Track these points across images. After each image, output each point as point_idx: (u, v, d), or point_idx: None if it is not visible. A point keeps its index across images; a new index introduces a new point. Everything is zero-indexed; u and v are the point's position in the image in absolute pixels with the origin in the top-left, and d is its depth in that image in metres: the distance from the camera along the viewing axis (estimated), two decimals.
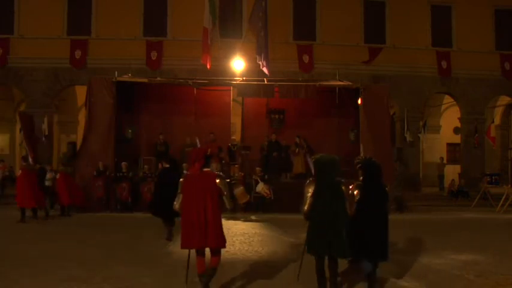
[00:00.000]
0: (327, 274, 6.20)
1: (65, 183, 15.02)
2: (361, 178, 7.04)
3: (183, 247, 6.33)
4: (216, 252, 6.29)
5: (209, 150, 6.61)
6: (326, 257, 6.23)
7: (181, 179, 6.58)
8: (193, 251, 6.41)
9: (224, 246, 6.42)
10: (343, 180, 6.57)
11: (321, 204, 6.16)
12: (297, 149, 18.02)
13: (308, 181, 6.61)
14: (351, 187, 6.92)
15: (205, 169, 6.37)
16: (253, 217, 15.22)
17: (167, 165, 11.21)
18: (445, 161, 25.69)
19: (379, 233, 6.51)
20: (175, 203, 6.69)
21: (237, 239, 10.64)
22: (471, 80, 23.46)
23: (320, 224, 6.19)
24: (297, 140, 18.20)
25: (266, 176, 16.60)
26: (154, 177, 14.94)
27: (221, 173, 6.77)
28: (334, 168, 6.52)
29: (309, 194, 6.33)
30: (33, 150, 19.38)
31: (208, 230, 6.09)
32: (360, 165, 7.25)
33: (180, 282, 7.05)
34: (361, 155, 8.39)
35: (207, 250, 6.34)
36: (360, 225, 6.41)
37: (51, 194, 15.50)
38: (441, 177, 24.95)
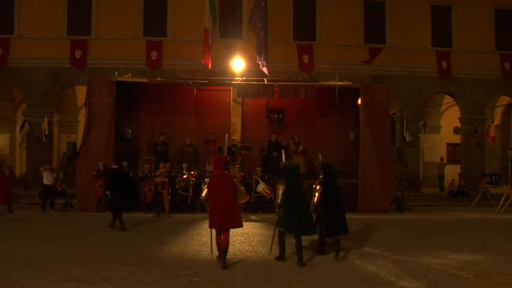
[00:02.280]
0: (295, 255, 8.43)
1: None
2: (321, 176, 9.11)
3: (210, 227, 8.41)
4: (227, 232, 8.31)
5: (228, 157, 9.20)
6: (294, 238, 8.40)
7: (206, 179, 9.33)
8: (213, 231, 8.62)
9: (241, 226, 8.58)
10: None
11: (290, 196, 8.44)
12: (300, 148, 18.06)
13: (279, 181, 9.04)
14: (315, 185, 9.18)
15: (226, 171, 8.65)
16: (253, 217, 15.23)
17: (115, 166, 13.07)
18: (445, 161, 25.69)
19: (338, 215, 8.94)
20: (202, 195, 9.26)
21: (237, 239, 10.64)
22: (471, 80, 23.46)
23: (290, 210, 8.39)
24: (296, 139, 18.22)
25: (266, 176, 16.60)
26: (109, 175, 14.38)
27: (237, 175, 10.32)
28: (297, 172, 8.99)
29: (280, 191, 8.69)
30: None
31: (229, 215, 8.11)
32: (319, 167, 9.39)
33: (180, 282, 7.05)
34: (320, 159, 11.16)
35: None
36: (323, 210, 8.85)
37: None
38: (441, 177, 24.96)
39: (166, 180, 15.56)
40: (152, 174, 16.28)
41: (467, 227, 13.55)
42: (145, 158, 17.83)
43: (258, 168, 16.84)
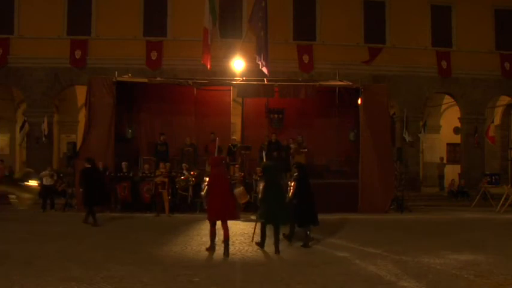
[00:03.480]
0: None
1: None
2: (295, 174, 10.43)
3: (210, 219, 9.27)
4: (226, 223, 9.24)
5: (227, 158, 11.20)
6: (272, 227, 9.53)
7: (206, 178, 10.62)
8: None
9: (238, 218, 10.63)
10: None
11: (269, 192, 9.57)
12: (303, 147, 18.10)
13: (260, 178, 10.86)
14: (290, 181, 10.59)
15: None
16: (253, 217, 15.22)
17: (88, 165, 13.79)
18: (445, 161, 25.68)
19: (309, 208, 10.13)
20: (202, 192, 11.34)
21: (237, 239, 10.64)
22: (471, 80, 23.46)
23: (269, 204, 9.48)
24: (300, 138, 18.24)
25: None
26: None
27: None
28: (275, 170, 10.22)
29: (261, 187, 10.20)
30: None
31: (227, 208, 9.07)
32: (295, 165, 11.03)
33: (180, 282, 7.05)
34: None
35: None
36: (297, 204, 10.06)
37: None
38: (441, 177, 24.95)
39: (166, 180, 15.56)
40: (152, 174, 16.28)
41: (467, 227, 13.55)
42: (145, 158, 17.83)
43: (258, 168, 16.81)
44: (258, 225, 10.09)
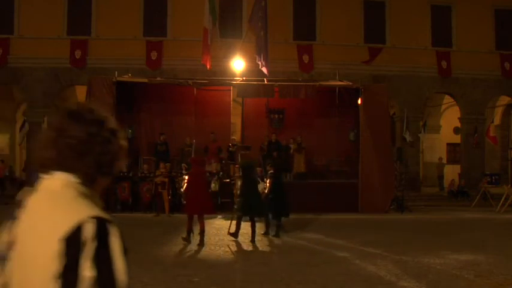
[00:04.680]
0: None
1: None
2: (271, 172, 11.71)
3: (188, 213, 10.27)
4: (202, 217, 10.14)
5: (205, 158, 11.92)
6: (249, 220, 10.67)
7: (185, 176, 11.70)
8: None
9: (214, 213, 11.92)
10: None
11: (246, 189, 10.87)
12: (302, 147, 18.12)
13: (238, 176, 12.32)
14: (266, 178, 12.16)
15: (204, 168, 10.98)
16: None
17: None
18: (444, 161, 25.68)
19: (282, 202, 11.33)
20: (182, 189, 12.34)
21: (236, 240, 10.64)
22: (471, 80, 23.45)
23: (246, 198, 10.70)
24: (299, 139, 18.25)
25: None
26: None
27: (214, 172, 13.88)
28: (252, 168, 11.44)
29: (239, 184, 11.66)
30: None
31: (203, 203, 10.03)
32: (270, 164, 12.44)
33: (180, 282, 7.05)
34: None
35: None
36: (272, 198, 11.33)
37: None
38: (441, 177, 24.95)
39: (166, 180, 15.57)
40: (152, 174, 16.27)
41: (467, 227, 13.55)
42: (145, 158, 17.83)
43: (258, 169, 16.82)
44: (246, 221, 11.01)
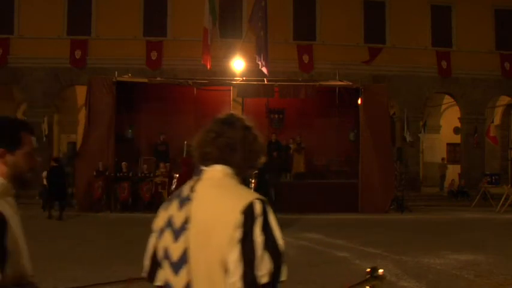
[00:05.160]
0: None
1: None
2: (255, 172, 12.17)
3: None
4: None
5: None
6: None
7: (176, 175, 11.94)
8: None
9: None
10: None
11: None
12: (302, 147, 18.14)
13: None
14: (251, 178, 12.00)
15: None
16: None
17: (55, 164, 14.98)
18: (445, 162, 25.68)
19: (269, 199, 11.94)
20: (172, 187, 12.50)
21: None
22: (471, 80, 23.45)
23: None
24: (298, 139, 18.26)
25: (266, 176, 16.57)
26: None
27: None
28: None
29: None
30: None
31: None
32: None
33: None
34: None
35: None
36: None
37: None
38: (443, 177, 24.93)
39: (166, 180, 15.58)
40: (152, 174, 16.28)
41: (467, 227, 13.55)
42: (146, 158, 17.83)
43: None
44: None
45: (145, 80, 18.06)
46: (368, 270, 2.20)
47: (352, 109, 18.16)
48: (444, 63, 23.30)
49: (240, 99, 19.61)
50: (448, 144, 27.40)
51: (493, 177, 20.02)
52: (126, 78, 17.94)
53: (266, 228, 1.79)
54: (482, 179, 20.42)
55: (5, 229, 1.90)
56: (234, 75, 19.47)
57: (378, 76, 22.43)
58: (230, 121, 2.01)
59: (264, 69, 19.02)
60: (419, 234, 12.05)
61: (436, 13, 23.67)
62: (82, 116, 22.52)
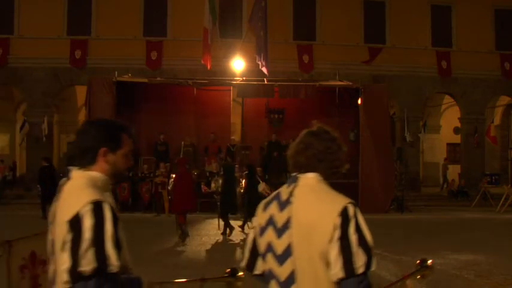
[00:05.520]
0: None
1: None
2: (246, 173, 12.97)
3: (174, 211, 11.59)
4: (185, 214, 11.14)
5: (187, 159, 13.68)
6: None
7: (173, 175, 12.66)
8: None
9: (195, 210, 12.37)
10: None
11: (226, 187, 12.52)
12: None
13: (217, 177, 14.31)
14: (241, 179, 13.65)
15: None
16: (253, 217, 15.21)
17: (46, 164, 15.26)
18: (445, 162, 25.67)
19: (256, 202, 11.16)
20: (169, 187, 13.27)
21: (237, 239, 10.64)
22: (471, 80, 23.43)
23: (225, 196, 12.35)
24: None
25: (266, 176, 16.60)
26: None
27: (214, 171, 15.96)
28: (231, 170, 13.33)
29: (220, 183, 13.14)
30: None
31: (188, 201, 11.00)
32: (245, 166, 13.51)
33: None
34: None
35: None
36: (247, 196, 12.36)
37: None
38: (445, 177, 24.91)
39: (166, 180, 15.58)
40: (152, 175, 16.27)
41: (467, 227, 13.55)
42: (146, 158, 17.83)
43: (258, 168, 16.81)
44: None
45: (145, 80, 18.07)
46: (418, 262, 2.79)
47: (352, 109, 18.17)
48: (444, 63, 23.30)
49: (240, 99, 19.61)
50: (448, 144, 27.39)
51: (493, 177, 20.02)
52: (126, 78, 17.95)
53: (358, 228, 2.12)
54: (482, 179, 20.42)
55: (117, 220, 2.09)
56: (234, 75, 19.47)
57: (378, 76, 22.42)
58: (317, 133, 2.33)
59: (264, 69, 19.02)
60: (419, 234, 12.05)
61: (436, 13, 23.67)
62: (82, 116, 22.54)
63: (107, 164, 2.21)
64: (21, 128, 21.97)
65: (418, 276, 2.71)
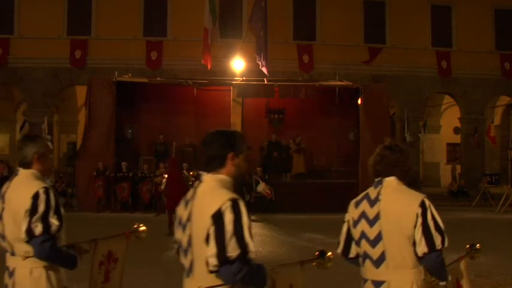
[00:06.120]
0: None
1: None
2: None
3: (167, 208, 11.88)
4: None
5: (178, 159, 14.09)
6: None
7: (165, 175, 13.08)
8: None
9: None
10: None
11: None
12: (302, 147, 18.14)
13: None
14: None
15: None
16: (253, 217, 15.23)
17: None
18: (453, 163, 25.66)
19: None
20: (162, 186, 13.63)
21: None
22: (471, 80, 23.44)
23: None
24: (298, 139, 18.26)
25: (266, 176, 16.61)
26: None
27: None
28: None
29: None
30: None
31: (179, 200, 10.96)
32: None
33: (180, 282, 7.04)
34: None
35: None
36: None
37: None
38: (454, 177, 24.87)
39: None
40: (152, 175, 16.28)
41: (467, 227, 13.54)
42: (145, 158, 17.83)
43: (258, 168, 16.83)
44: None
45: (145, 80, 18.07)
46: (468, 246, 3.57)
47: (352, 109, 18.16)
48: (444, 63, 23.30)
49: (240, 99, 19.61)
50: (448, 144, 27.40)
51: (493, 177, 20.03)
52: (126, 78, 17.95)
53: (433, 216, 2.88)
54: (482, 179, 20.42)
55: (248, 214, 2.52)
56: (234, 75, 19.47)
57: (378, 76, 22.42)
58: (390, 147, 3.04)
59: (264, 69, 19.02)
60: None
61: (436, 13, 23.67)
62: (82, 116, 22.55)
63: (234, 166, 2.65)
64: (21, 128, 21.98)
65: (469, 258, 3.47)
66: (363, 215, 2.97)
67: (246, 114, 19.38)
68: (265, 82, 18.09)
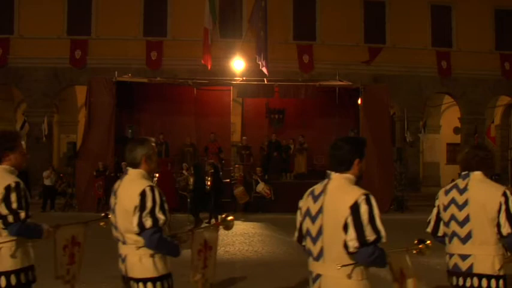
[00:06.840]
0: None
1: None
2: (211, 172, 13.71)
3: None
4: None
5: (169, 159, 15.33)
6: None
7: (157, 174, 13.20)
8: None
9: (177, 205, 14.33)
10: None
11: (196, 185, 13.57)
12: (305, 147, 18.13)
13: (189, 173, 14.95)
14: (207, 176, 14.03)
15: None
16: (253, 217, 15.23)
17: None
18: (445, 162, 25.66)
19: (219, 199, 14.10)
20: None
21: (237, 239, 10.65)
22: (471, 80, 23.45)
23: (195, 194, 13.46)
24: (301, 139, 18.26)
25: (266, 176, 16.60)
26: None
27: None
28: (201, 169, 14.08)
29: (191, 181, 14.09)
30: None
31: (169, 199, 11.36)
32: (209, 164, 14.33)
33: (180, 282, 7.04)
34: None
35: None
36: (212, 195, 13.60)
37: None
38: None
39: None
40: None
41: None
42: None
43: (258, 168, 16.83)
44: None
45: (145, 80, 18.07)
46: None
47: (352, 109, 18.17)
48: (444, 63, 23.32)
49: (240, 99, 19.62)
50: (448, 144, 27.39)
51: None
52: (126, 78, 17.94)
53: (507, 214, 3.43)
54: None
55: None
56: (234, 75, 19.48)
57: (378, 76, 22.44)
58: (479, 147, 3.74)
59: (264, 69, 19.03)
60: (419, 234, 12.03)
61: (436, 13, 23.69)
62: (82, 116, 22.55)
63: (359, 170, 3.07)
64: (21, 128, 21.95)
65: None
66: (453, 201, 3.57)
67: (246, 114, 19.39)
68: (265, 82, 18.09)
